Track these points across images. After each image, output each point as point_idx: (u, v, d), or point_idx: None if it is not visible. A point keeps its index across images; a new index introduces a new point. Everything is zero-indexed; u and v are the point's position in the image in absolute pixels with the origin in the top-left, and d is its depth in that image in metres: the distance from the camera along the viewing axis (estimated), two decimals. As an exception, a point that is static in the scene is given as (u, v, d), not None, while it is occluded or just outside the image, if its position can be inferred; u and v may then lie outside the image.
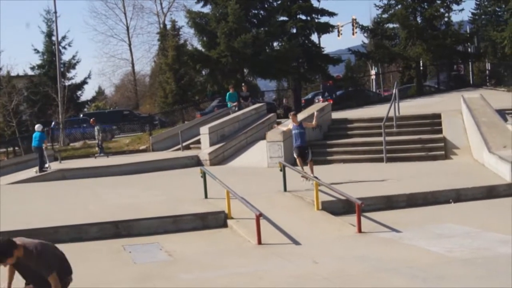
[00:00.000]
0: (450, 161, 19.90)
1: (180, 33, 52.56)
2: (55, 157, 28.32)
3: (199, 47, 42.40)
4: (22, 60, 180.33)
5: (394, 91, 23.61)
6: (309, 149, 16.49)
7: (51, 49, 50.96)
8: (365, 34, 48.12)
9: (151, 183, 19.69)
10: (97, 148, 29.70)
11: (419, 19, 42.29)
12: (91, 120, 32.27)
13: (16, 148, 37.82)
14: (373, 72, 60.41)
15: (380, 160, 20.39)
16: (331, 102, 29.34)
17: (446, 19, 43.23)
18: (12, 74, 47.63)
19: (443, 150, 20.61)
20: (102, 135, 30.09)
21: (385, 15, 43.75)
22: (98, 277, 9.43)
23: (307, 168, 16.29)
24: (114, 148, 32.58)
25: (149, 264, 10.15)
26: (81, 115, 47.28)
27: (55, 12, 44.59)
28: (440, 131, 21.70)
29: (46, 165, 24.16)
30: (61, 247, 11.39)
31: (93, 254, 10.98)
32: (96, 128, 29.74)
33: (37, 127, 25.26)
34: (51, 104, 43.91)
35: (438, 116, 22.76)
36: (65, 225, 12.42)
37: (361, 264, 9.07)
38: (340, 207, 13.25)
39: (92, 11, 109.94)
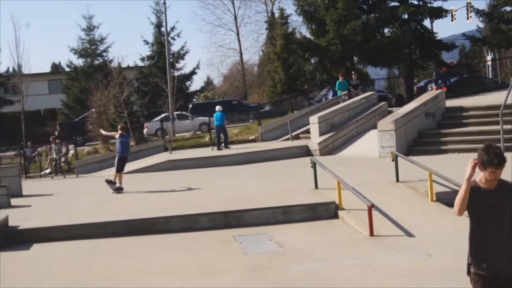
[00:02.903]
0: None
1: (288, 21, 52.62)
2: (165, 148, 28.96)
3: (308, 35, 42.18)
4: (132, 51, 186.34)
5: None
6: (117, 160, 17.52)
7: (160, 40, 52.16)
8: (480, 18, 46.29)
9: (260, 173, 19.74)
10: (52, 168, 29.19)
11: (539, 1, 40.12)
12: (51, 138, 31.78)
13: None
14: (489, 58, 58.05)
15: (497, 149, 19.42)
16: (445, 89, 28.39)
17: None
18: (123, 65, 49.10)
19: None
20: (60, 154, 29.73)
21: (502, -2, 41.83)
22: (210, 266, 9.53)
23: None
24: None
25: (260, 254, 10.15)
26: (190, 106, 48.15)
27: (164, 3, 45.35)
28: None
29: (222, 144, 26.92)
30: (172, 236, 11.72)
31: (204, 243, 11.11)
32: (54, 147, 29.78)
33: (218, 108, 27.08)
34: (161, 94, 44.77)
35: (562, 102, 21.45)
36: (176, 214, 12.65)
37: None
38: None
39: (200, 1, 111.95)
